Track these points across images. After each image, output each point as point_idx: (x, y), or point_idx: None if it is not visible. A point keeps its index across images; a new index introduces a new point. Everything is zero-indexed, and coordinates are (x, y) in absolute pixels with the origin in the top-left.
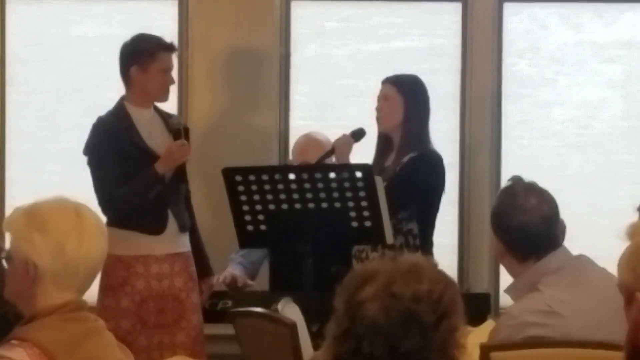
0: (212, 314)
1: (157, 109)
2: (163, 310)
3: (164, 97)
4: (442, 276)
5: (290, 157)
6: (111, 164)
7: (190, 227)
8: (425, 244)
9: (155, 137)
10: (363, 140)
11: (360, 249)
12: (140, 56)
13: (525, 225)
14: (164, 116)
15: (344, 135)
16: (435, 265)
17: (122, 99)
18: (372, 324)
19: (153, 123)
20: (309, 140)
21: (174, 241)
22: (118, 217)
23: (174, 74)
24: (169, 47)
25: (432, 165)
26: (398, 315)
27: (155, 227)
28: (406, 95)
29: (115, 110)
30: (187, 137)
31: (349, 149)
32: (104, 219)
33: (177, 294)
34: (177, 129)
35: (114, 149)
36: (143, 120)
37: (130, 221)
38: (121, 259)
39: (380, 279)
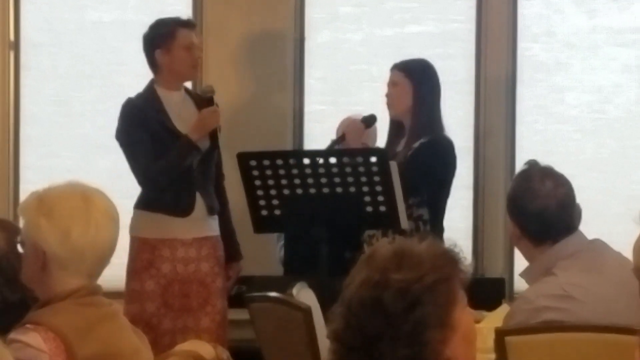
0: (231, 299)
1: (188, 91)
2: (188, 295)
3: (192, 74)
4: (428, 264)
5: (335, 137)
6: (143, 140)
7: (219, 210)
8: (435, 230)
9: (185, 120)
10: (376, 126)
11: (371, 234)
12: (162, 39)
13: (542, 209)
14: (196, 98)
15: (355, 121)
16: (436, 250)
17: (152, 82)
18: (347, 306)
19: (184, 105)
20: (352, 122)
21: (202, 224)
22: (159, 191)
23: None
24: (187, 24)
25: (443, 151)
26: (365, 300)
27: (182, 209)
28: (414, 80)
29: (145, 92)
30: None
31: (360, 135)
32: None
33: (202, 278)
34: (210, 97)
35: (143, 127)
36: (173, 102)
37: (157, 203)
38: (147, 242)
39: (368, 262)
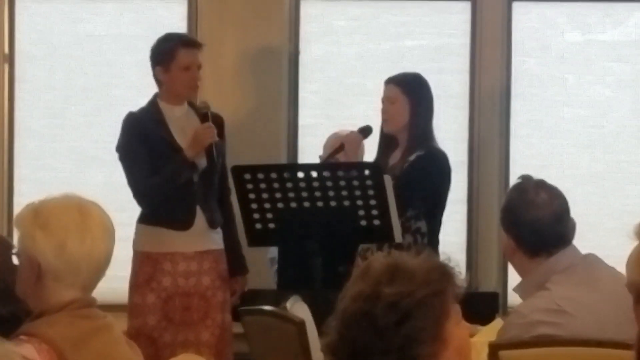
0: (235, 313)
1: (192, 105)
2: (189, 308)
3: (190, 94)
4: (420, 279)
5: (322, 153)
6: (140, 156)
7: (225, 224)
8: (432, 242)
9: (187, 134)
10: (367, 139)
11: (366, 247)
12: (162, 56)
13: (537, 220)
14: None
15: (353, 132)
16: (431, 265)
17: (156, 95)
18: (340, 319)
19: (186, 119)
20: (340, 138)
21: (203, 238)
22: (152, 207)
23: None
24: (189, 43)
25: (439, 164)
26: (357, 314)
27: (182, 223)
28: (411, 96)
29: (148, 105)
30: (221, 127)
31: (357, 145)
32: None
33: (203, 292)
34: (204, 113)
35: (142, 141)
36: (175, 117)
37: (158, 217)
38: (149, 256)
39: (362, 276)
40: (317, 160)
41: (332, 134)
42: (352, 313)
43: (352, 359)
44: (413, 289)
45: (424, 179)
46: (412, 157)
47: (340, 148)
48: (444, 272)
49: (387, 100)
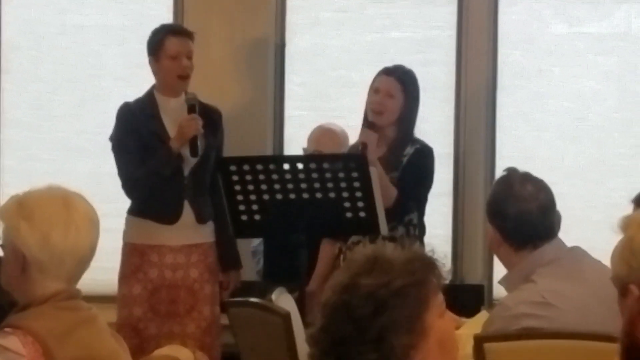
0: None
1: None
2: (175, 300)
3: (179, 84)
4: (398, 270)
5: (305, 145)
6: (130, 147)
7: (215, 218)
8: (421, 231)
9: None
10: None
11: (356, 240)
12: (152, 46)
13: (523, 213)
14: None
15: (365, 129)
16: (410, 256)
17: (153, 87)
18: (321, 310)
19: (181, 112)
20: (324, 131)
21: (190, 232)
22: (139, 198)
23: None
24: (176, 32)
25: (432, 158)
26: (335, 304)
27: (169, 217)
28: (408, 94)
29: (144, 97)
30: (218, 121)
31: (376, 142)
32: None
33: (190, 284)
34: (191, 104)
35: (133, 133)
36: (169, 108)
37: (146, 209)
38: (136, 247)
39: (346, 267)
40: (291, 150)
41: (316, 127)
42: (332, 304)
43: (333, 349)
44: (390, 279)
45: (423, 173)
46: (410, 152)
47: (365, 146)
48: (425, 263)
49: (385, 93)
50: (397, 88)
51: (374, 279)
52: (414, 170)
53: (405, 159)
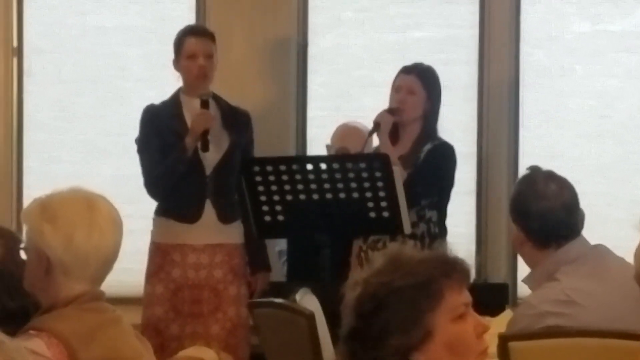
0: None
1: (218, 100)
2: (198, 301)
3: (199, 84)
4: (403, 269)
5: (329, 142)
6: (152, 147)
7: (243, 219)
8: (442, 232)
9: None
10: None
11: (376, 239)
12: (175, 48)
13: (547, 211)
14: (223, 107)
15: (384, 111)
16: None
17: (179, 89)
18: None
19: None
20: (349, 128)
21: (213, 232)
22: (159, 197)
23: None
24: (194, 32)
25: (452, 156)
26: (347, 302)
27: (190, 216)
28: (429, 89)
29: (169, 98)
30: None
31: (390, 125)
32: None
33: (214, 285)
34: (204, 100)
35: (156, 133)
36: (193, 108)
37: (168, 209)
38: (159, 247)
39: (365, 268)
40: (324, 151)
41: (340, 125)
42: (346, 300)
43: (347, 342)
44: (392, 279)
45: (440, 170)
46: (428, 148)
47: (377, 127)
48: (439, 264)
49: (406, 91)
50: (418, 84)
51: (380, 278)
52: (428, 168)
53: (421, 156)
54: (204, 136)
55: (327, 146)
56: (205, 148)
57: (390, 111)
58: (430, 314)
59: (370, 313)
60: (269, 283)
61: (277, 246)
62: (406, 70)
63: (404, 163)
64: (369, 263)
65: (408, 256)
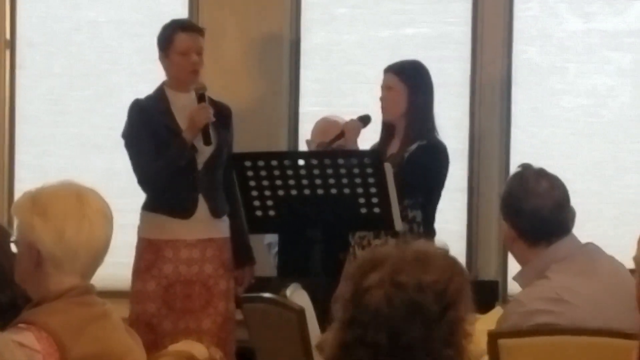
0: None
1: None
2: (190, 296)
3: (190, 79)
4: (449, 265)
5: (309, 137)
6: (144, 141)
7: (230, 213)
8: (427, 232)
9: None
10: (367, 127)
11: (362, 235)
12: (161, 42)
13: (538, 209)
14: (209, 101)
15: (353, 120)
16: (444, 252)
17: (163, 83)
18: (375, 312)
19: (192, 106)
20: (328, 122)
21: (205, 226)
22: (156, 192)
23: None
24: (187, 27)
25: (440, 155)
26: (401, 305)
27: (184, 211)
28: (409, 84)
29: (154, 93)
30: (228, 117)
31: (357, 133)
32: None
33: (205, 280)
34: (200, 94)
35: (146, 128)
36: (180, 103)
37: (160, 204)
38: (150, 243)
39: (387, 266)
40: (305, 146)
41: (320, 119)
42: (390, 303)
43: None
44: (450, 276)
45: (425, 169)
46: (413, 147)
47: (341, 135)
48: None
49: (385, 88)
50: (395, 80)
51: (435, 276)
52: (412, 167)
53: (406, 155)
54: (206, 130)
55: (307, 141)
56: (208, 142)
57: (362, 119)
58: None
59: (440, 313)
60: (259, 278)
61: (266, 239)
62: (385, 69)
63: (392, 162)
64: (398, 262)
65: (440, 252)
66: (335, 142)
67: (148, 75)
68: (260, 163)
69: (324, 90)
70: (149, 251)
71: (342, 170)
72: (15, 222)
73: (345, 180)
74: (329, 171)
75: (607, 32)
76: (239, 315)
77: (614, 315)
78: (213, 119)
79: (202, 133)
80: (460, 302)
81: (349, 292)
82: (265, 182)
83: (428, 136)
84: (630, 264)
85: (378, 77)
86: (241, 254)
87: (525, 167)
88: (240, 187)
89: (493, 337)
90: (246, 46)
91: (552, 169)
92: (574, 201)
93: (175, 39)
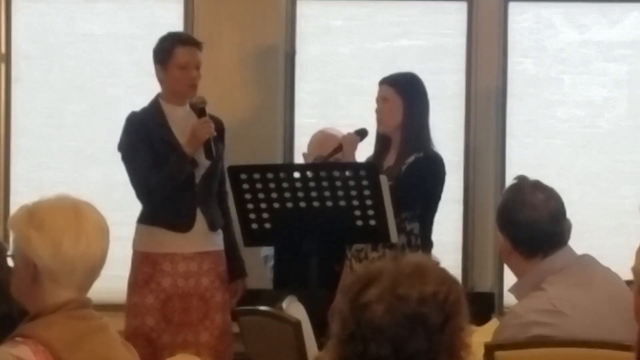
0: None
1: (191, 104)
2: (188, 309)
3: (188, 93)
4: (446, 276)
5: (306, 150)
6: (142, 154)
7: (223, 226)
8: (425, 244)
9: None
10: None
11: (359, 248)
12: (160, 55)
13: (533, 221)
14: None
15: (350, 133)
16: (438, 265)
17: (158, 95)
18: (377, 326)
19: (187, 120)
20: (325, 135)
21: (203, 240)
22: (155, 206)
23: None
24: (187, 42)
25: (437, 168)
26: (404, 318)
27: (183, 225)
28: (404, 96)
29: (149, 106)
30: (221, 131)
31: (355, 147)
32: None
33: (202, 293)
34: (201, 108)
35: (145, 141)
36: (176, 117)
37: (158, 218)
38: (148, 256)
39: (385, 280)
40: (301, 159)
41: (317, 132)
42: (393, 316)
43: None
44: (449, 287)
45: (421, 182)
46: (411, 160)
47: (339, 149)
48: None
49: (380, 100)
50: (390, 92)
51: (434, 288)
52: (409, 180)
53: (404, 167)
54: (208, 144)
55: (304, 154)
56: (210, 156)
57: (359, 133)
58: None
59: (441, 324)
60: (256, 290)
61: (263, 252)
62: (380, 81)
63: (389, 174)
64: (396, 276)
65: (435, 264)
66: (333, 156)
67: (144, 88)
68: (256, 175)
69: (320, 102)
70: (146, 264)
71: (338, 183)
72: (12, 236)
73: (341, 193)
74: (325, 183)
75: (602, 43)
76: (234, 328)
77: (610, 327)
78: (214, 134)
79: (204, 147)
80: (459, 313)
81: (347, 309)
82: (261, 195)
83: (425, 148)
84: (627, 275)
85: (373, 89)
86: (234, 267)
87: (521, 179)
88: (236, 200)
89: (490, 350)
90: (242, 58)
91: (547, 180)
92: (570, 212)
93: (175, 53)
